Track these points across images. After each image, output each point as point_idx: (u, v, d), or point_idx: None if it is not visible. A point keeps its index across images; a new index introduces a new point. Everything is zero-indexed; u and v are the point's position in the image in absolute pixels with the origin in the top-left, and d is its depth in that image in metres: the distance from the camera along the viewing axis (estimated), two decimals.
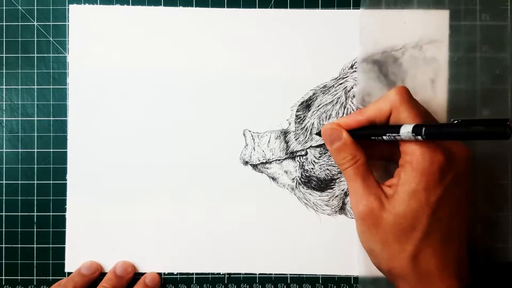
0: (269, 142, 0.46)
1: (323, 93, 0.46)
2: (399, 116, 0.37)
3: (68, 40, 0.46)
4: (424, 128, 0.34)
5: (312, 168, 0.46)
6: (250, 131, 0.46)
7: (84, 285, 0.44)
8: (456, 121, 0.33)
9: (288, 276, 0.46)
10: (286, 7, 0.46)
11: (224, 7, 0.46)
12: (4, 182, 0.47)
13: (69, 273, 0.46)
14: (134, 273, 0.46)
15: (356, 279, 0.46)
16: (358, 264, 0.45)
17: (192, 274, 0.46)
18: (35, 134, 0.47)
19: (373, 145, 0.41)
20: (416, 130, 0.34)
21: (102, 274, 0.46)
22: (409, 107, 0.37)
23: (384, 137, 0.37)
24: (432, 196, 0.35)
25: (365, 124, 0.39)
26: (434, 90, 0.45)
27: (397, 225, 0.36)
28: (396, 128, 0.36)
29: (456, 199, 0.36)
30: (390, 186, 0.38)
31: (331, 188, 0.46)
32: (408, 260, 0.36)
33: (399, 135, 0.35)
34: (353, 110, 0.45)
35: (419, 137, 0.34)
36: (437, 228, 0.36)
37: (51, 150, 0.47)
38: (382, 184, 0.38)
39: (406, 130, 0.35)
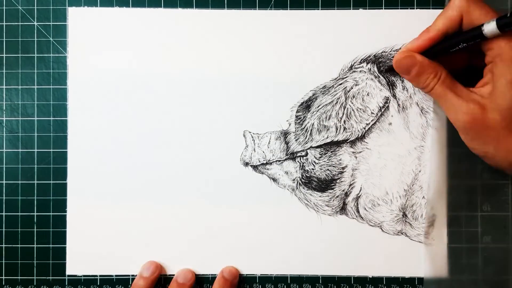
0: (269, 143, 0.46)
1: (322, 93, 0.46)
2: (472, 17, 0.36)
3: (68, 40, 0.46)
4: (510, 19, 0.34)
5: (313, 169, 0.46)
6: (250, 132, 0.46)
7: (149, 287, 0.45)
8: None
9: (288, 276, 0.46)
10: (286, 8, 0.46)
11: (224, 8, 0.46)
12: (4, 182, 0.47)
13: (70, 275, 0.46)
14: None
15: (356, 279, 0.46)
16: (424, 265, 0.45)
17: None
18: (35, 134, 0.47)
19: (450, 56, 0.40)
20: (501, 23, 0.34)
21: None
22: (479, 6, 0.36)
23: (465, 44, 0.37)
24: None
25: (438, 39, 0.38)
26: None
27: (506, 118, 0.36)
28: (477, 30, 0.36)
29: None
30: (483, 86, 0.38)
31: (332, 189, 0.46)
32: None
33: (485, 37, 0.35)
34: (353, 110, 0.45)
35: (507, 29, 0.34)
36: None
37: (51, 150, 0.47)
38: (474, 88, 0.38)
39: (490, 28, 0.35)
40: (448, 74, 0.39)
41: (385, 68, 0.45)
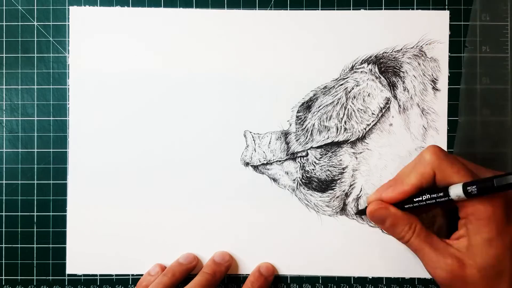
0: (269, 143, 0.46)
1: (323, 94, 0.46)
2: (444, 174, 0.37)
3: (68, 40, 0.46)
4: (475, 186, 0.34)
5: (313, 169, 0.46)
6: (250, 132, 0.46)
7: (183, 273, 0.45)
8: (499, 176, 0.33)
9: (288, 276, 0.46)
10: (286, 8, 0.46)
11: (224, 8, 0.46)
12: (4, 182, 0.46)
13: (70, 275, 0.46)
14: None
15: (356, 279, 0.46)
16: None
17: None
18: (35, 134, 0.47)
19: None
20: (467, 191, 0.34)
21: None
22: (451, 164, 0.36)
23: (436, 203, 0.37)
24: (506, 238, 0.35)
25: (412, 193, 0.38)
26: (434, 90, 0.45)
27: (484, 276, 0.36)
28: (444, 192, 0.36)
29: None
30: (458, 238, 0.37)
31: (332, 189, 0.46)
32: None
33: (452, 199, 0.36)
34: (353, 111, 0.45)
35: (473, 194, 0.34)
36: None
37: (51, 150, 0.47)
38: (449, 240, 0.38)
39: (456, 193, 0.35)
40: (422, 226, 0.38)
41: (356, 212, 0.46)
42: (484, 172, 0.38)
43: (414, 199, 0.38)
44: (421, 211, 0.41)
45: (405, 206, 0.39)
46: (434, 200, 0.37)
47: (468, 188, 0.34)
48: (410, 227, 0.38)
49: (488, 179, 0.34)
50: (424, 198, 0.38)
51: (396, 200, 0.39)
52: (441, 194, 0.36)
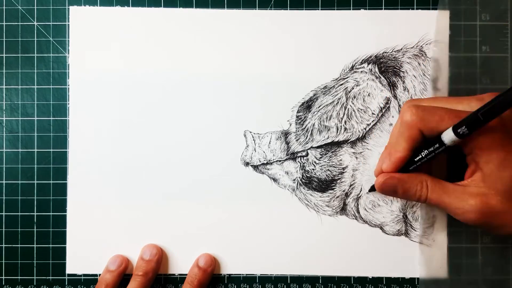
0: (269, 143, 0.46)
1: (323, 93, 0.46)
2: (430, 126, 0.37)
3: (68, 40, 0.46)
4: (464, 127, 0.34)
5: (313, 169, 0.46)
6: (251, 132, 0.46)
7: (116, 280, 0.45)
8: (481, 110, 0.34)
9: (288, 276, 0.46)
10: (286, 8, 0.46)
11: (224, 8, 0.46)
12: (4, 182, 0.46)
13: (70, 274, 0.46)
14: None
15: (356, 279, 0.46)
16: (420, 265, 0.45)
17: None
18: (35, 134, 0.47)
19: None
20: (458, 133, 0.35)
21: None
22: (431, 114, 0.37)
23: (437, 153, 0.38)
24: None
25: (408, 156, 0.39)
26: (435, 90, 0.45)
27: (509, 199, 0.36)
28: (439, 142, 0.37)
29: None
30: (471, 176, 0.38)
31: (332, 189, 0.46)
32: None
33: (447, 145, 0.36)
34: (354, 111, 0.45)
35: (465, 136, 0.35)
36: None
37: (51, 150, 0.46)
38: (464, 182, 0.38)
39: (449, 138, 0.35)
40: (433, 178, 0.39)
41: (368, 190, 0.45)
42: (463, 101, 0.38)
43: (415, 159, 0.39)
44: (426, 167, 0.41)
45: (410, 169, 0.39)
46: (433, 153, 0.38)
47: (459, 130, 0.35)
48: (422, 184, 0.39)
49: (473, 115, 0.34)
50: (424, 155, 0.38)
51: (396, 169, 0.39)
52: (437, 145, 0.37)
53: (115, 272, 0.45)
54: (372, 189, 0.44)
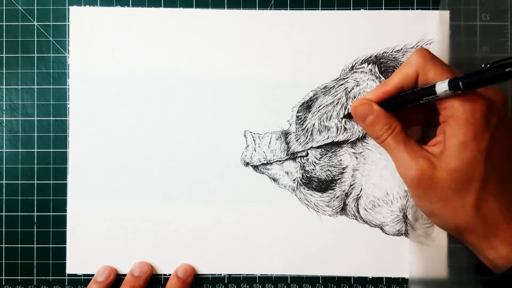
0: (270, 143, 0.46)
1: (323, 94, 0.46)
2: (427, 76, 0.37)
3: (68, 40, 0.46)
4: (461, 80, 0.34)
5: (313, 169, 0.46)
6: (251, 132, 0.46)
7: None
8: (487, 65, 0.33)
9: (288, 276, 0.46)
10: (286, 8, 0.46)
11: (224, 8, 0.46)
12: (4, 182, 0.47)
13: (70, 274, 0.46)
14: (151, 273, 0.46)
15: (356, 279, 0.46)
16: (409, 265, 0.45)
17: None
18: (35, 134, 0.47)
19: (406, 112, 0.41)
20: (453, 84, 0.34)
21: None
22: (435, 65, 0.37)
23: (421, 101, 0.37)
24: (482, 144, 0.35)
25: (393, 93, 0.39)
26: None
27: (454, 180, 0.36)
28: (431, 88, 0.36)
29: (504, 141, 0.37)
30: (435, 145, 0.38)
31: (332, 189, 0.46)
32: (472, 212, 0.36)
33: (437, 95, 0.35)
34: None
35: (458, 91, 0.34)
36: (493, 174, 0.36)
37: (51, 150, 0.47)
38: (425, 146, 0.38)
39: (442, 88, 0.35)
40: (402, 129, 0.39)
41: (344, 115, 0.45)
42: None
43: (401, 94, 0.39)
44: (406, 116, 0.41)
45: (388, 102, 0.39)
46: (418, 99, 0.37)
47: (455, 83, 0.34)
48: (390, 127, 0.39)
49: (474, 73, 0.34)
50: (409, 93, 0.38)
51: (378, 100, 0.39)
52: (427, 90, 0.36)
53: (102, 284, 0.45)
54: (348, 115, 0.44)
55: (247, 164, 0.46)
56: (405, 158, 0.38)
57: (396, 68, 0.45)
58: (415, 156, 0.37)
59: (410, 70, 0.38)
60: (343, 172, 0.46)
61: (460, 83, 0.34)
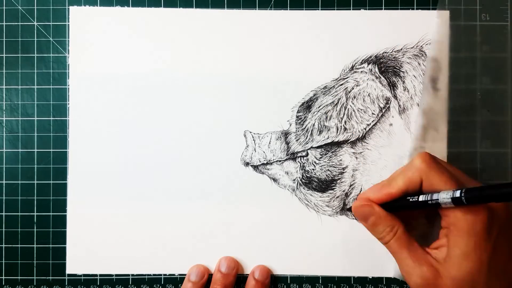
0: (269, 143, 0.46)
1: (323, 94, 0.46)
2: (431, 182, 0.36)
3: (68, 40, 0.46)
4: (463, 195, 0.33)
5: (313, 169, 0.46)
6: (251, 132, 0.46)
7: None
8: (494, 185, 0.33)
9: (288, 276, 0.46)
10: (286, 8, 0.46)
11: (224, 8, 0.46)
12: (4, 182, 0.46)
13: (70, 274, 0.46)
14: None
15: (356, 279, 0.46)
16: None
17: None
18: (35, 134, 0.47)
19: (408, 211, 0.40)
20: (455, 199, 0.34)
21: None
22: (438, 173, 0.36)
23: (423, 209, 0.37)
24: (483, 254, 0.35)
25: (398, 196, 0.38)
26: (435, 90, 0.45)
27: None
28: (434, 199, 0.36)
29: (507, 249, 0.36)
30: (437, 248, 0.37)
31: (332, 189, 0.46)
32: None
33: (440, 206, 0.35)
34: (353, 111, 0.45)
35: (460, 203, 0.34)
36: (496, 283, 0.36)
37: (51, 150, 0.46)
38: (428, 249, 0.38)
39: (445, 200, 0.35)
40: (404, 230, 0.38)
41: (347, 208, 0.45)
42: (472, 183, 0.38)
43: (407, 198, 0.38)
44: (407, 216, 0.40)
45: (393, 205, 0.39)
46: (423, 207, 0.37)
47: (458, 198, 0.34)
48: (392, 229, 0.38)
49: (477, 189, 0.33)
50: (411, 204, 0.37)
51: (381, 201, 0.39)
52: (429, 197, 0.36)
53: (198, 283, 0.45)
54: (349, 209, 0.45)
55: (247, 164, 0.46)
56: (408, 263, 0.37)
57: (396, 68, 0.45)
58: (419, 263, 0.37)
59: (414, 175, 0.37)
60: (343, 172, 0.46)
61: (463, 198, 0.33)
